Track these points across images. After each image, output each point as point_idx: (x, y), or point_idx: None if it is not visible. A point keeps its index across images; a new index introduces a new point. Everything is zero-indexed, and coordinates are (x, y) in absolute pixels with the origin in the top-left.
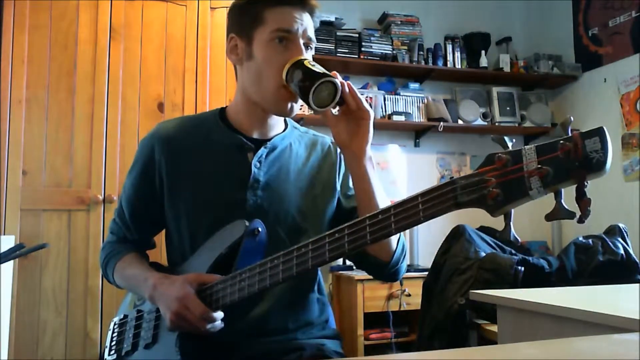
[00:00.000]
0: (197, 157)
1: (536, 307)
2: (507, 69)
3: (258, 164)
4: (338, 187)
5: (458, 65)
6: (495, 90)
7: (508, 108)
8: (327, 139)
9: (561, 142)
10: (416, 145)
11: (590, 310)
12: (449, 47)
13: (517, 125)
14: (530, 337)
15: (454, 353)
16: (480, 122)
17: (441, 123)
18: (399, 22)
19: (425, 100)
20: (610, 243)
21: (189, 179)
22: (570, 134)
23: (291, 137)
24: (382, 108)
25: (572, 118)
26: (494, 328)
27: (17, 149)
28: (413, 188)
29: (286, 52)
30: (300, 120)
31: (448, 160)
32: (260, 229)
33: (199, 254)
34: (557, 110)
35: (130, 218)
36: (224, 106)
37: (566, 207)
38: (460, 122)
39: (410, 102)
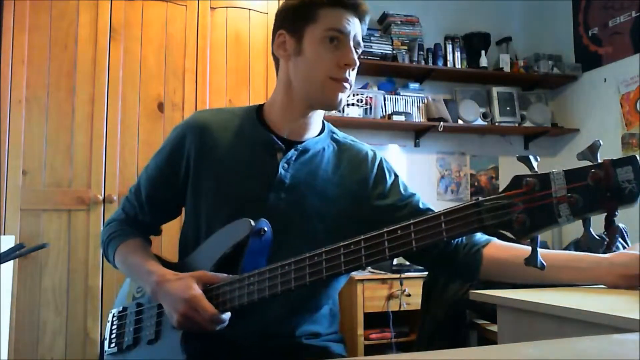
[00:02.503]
0: (226, 150)
1: (536, 307)
2: (507, 69)
3: (286, 166)
4: (369, 199)
5: (458, 65)
6: (495, 90)
7: (508, 108)
8: (366, 147)
9: (592, 170)
10: (416, 145)
11: (590, 310)
12: (449, 47)
13: (517, 125)
14: (530, 337)
15: (454, 353)
16: (480, 122)
17: (441, 123)
18: (399, 22)
19: (425, 100)
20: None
21: (215, 171)
22: (598, 160)
23: (325, 141)
24: (382, 108)
25: (600, 142)
26: (494, 328)
27: (17, 149)
28: (413, 188)
29: (337, 51)
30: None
31: (448, 160)
32: (266, 229)
33: (201, 250)
34: (557, 110)
35: (147, 199)
36: (262, 103)
37: (595, 235)
38: (460, 122)
39: (410, 102)
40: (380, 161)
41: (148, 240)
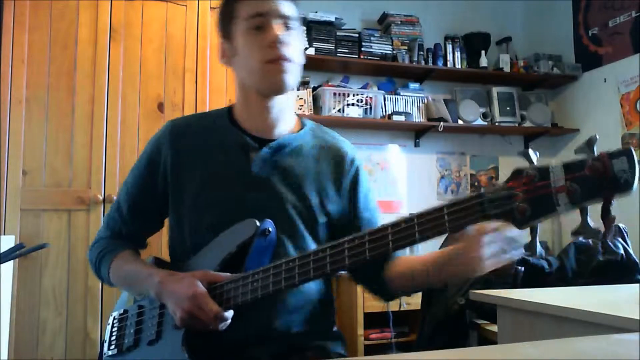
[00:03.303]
0: (202, 154)
1: (536, 307)
2: (507, 69)
3: (260, 164)
4: (343, 201)
5: (458, 65)
6: (495, 90)
7: (508, 108)
8: (347, 148)
9: (589, 161)
10: (416, 145)
11: (590, 310)
12: (449, 47)
13: (517, 125)
14: (530, 337)
15: (454, 353)
16: (480, 122)
17: (441, 123)
18: (399, 22)
19: (425, 100)
20: (610, 243)
21: (193, 177)
22: (596, 153)
23: (303, 138)
24: (382, 108)
25: (597, 136)
26: (494, 328)
27: (17, 149)
28: (413, 188)
29: (263, 34)
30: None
31: (448, 160)
32: (270, 229)
33: (206, 250)
34: (557, 110)
35: (128, 209)
36: (233, 104)
37: (592, 224)
38: (460, 122)
39: (410, 102)
40: (357, 168)
41: (138, 252)
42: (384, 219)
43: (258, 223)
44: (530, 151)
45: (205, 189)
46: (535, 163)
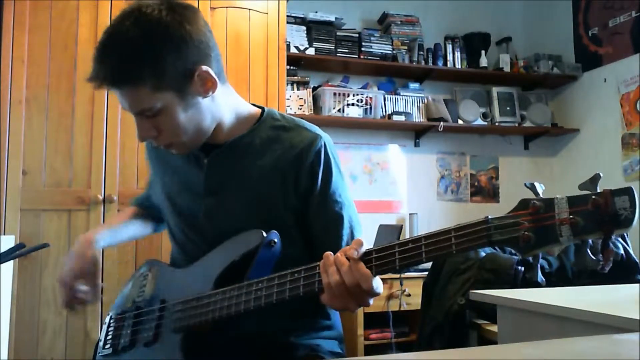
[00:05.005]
0: (171, 164)
1: (536, 307)
2: (507, 69)
3: (209, 171)
4: (304, 195)
5: (458, 65)
6: (495, 90)
7: (508, 108)
8: (311, 136)
9: (593, 197)
10: (416, 145)
11: (590, 310)
12: (449, 47)
13: (517, 125)
14: (530, 337)
15: (454, 353)
16: (480, 122)
17: (441, 123)
18: (399, 22)
19: (425, 100)
20: (610, 244)
21: (164, 183)
22: (598, 189)
23: (257, 135)
24: (382, 108)
25: (601, 174)
26: (494, 328)
27: (17, 149)
28: (413, 188)
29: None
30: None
31: (448, 160)
32: (276, 240)
33: (210, 256)
34: (557, 110)
35: (147, 189)
36: None
37: (592, 256)
38: (460, 122)
39: (410, 102)
40: (314, 159)
41: (151, 216)
42: (384, 219)
43: (265, 234)
44: (536, 184)
45: (173, 196)
46: (541, 194)
